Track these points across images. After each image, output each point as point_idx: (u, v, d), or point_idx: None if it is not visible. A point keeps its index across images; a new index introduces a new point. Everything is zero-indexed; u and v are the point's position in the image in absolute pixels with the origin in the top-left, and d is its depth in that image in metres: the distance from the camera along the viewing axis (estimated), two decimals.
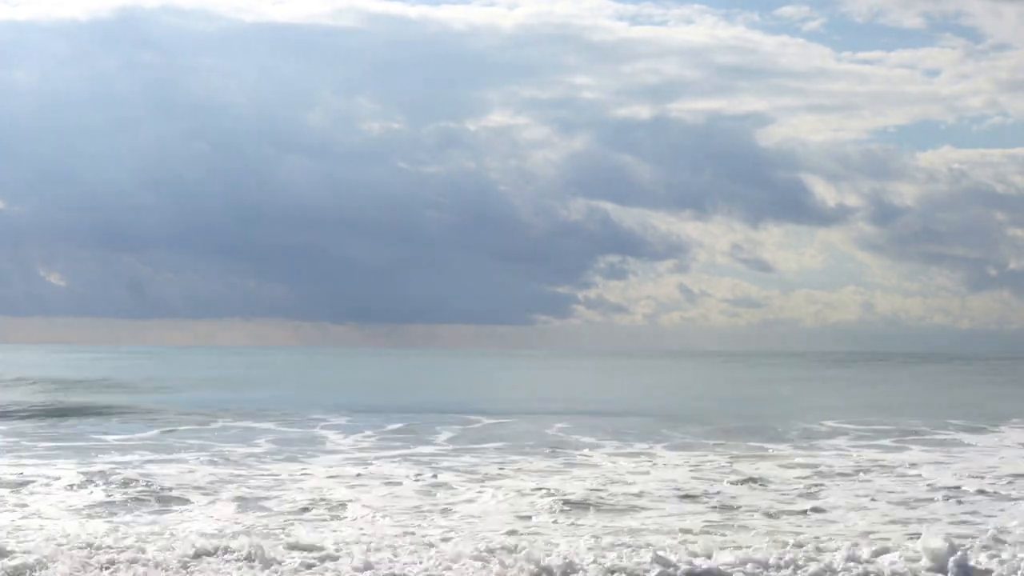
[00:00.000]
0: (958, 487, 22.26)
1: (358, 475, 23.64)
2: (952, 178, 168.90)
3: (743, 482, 22.77)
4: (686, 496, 21.04)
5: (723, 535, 16.86)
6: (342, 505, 19.64)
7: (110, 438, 32.16)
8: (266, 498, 20.39)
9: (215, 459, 26.47)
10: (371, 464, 25.79)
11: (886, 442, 31.94)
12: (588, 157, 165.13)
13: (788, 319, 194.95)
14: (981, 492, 21.62)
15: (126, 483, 21.54)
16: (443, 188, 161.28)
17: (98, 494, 20.44)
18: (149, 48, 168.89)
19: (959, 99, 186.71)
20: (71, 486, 21.30)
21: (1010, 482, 23.05)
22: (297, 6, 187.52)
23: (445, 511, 19.20)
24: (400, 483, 22.45)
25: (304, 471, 24.34)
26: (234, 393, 59.25)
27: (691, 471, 24.72)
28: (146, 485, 21.35)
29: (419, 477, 23.25)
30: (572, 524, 18.03)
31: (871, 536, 16.87)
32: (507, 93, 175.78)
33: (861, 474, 24.38)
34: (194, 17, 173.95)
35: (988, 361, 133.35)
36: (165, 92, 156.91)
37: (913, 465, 26.01)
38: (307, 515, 18.68)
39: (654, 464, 26.23)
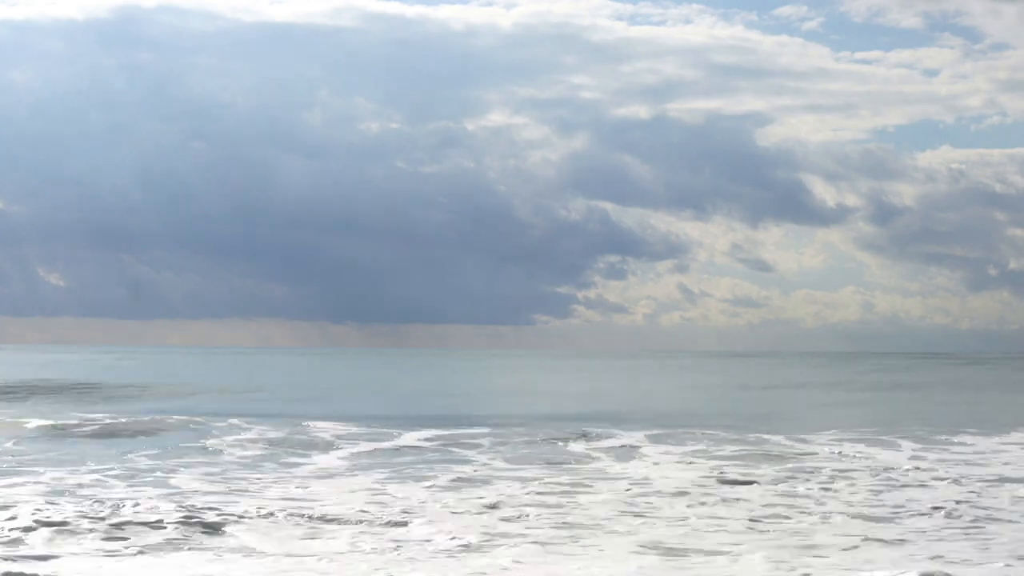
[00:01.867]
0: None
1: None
2: (951, 178, 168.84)
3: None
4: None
5: None
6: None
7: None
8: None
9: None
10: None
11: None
12: (587, 157, 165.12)
13: (788, 319, 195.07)
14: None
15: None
16: (442, 188, 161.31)
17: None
18: (147, 47, 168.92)
19: (958, 99, 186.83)
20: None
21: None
22: (295, 6, 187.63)
23: None
24: None
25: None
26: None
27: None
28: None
29: None
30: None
31: None
32: (505, 93, 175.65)
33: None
34: (192, 16, 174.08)
35: (989, 362, 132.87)
36: (163, 91, 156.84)
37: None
38: None
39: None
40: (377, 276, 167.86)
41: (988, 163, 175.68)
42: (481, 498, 20.38)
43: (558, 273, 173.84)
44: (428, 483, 22.63)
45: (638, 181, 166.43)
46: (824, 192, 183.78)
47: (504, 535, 16.65)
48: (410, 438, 32.29)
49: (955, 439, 32.60)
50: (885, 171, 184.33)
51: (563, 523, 17.77)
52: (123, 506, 18.72)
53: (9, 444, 30.04)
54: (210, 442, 30.76)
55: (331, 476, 23.91)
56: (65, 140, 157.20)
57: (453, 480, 23.09)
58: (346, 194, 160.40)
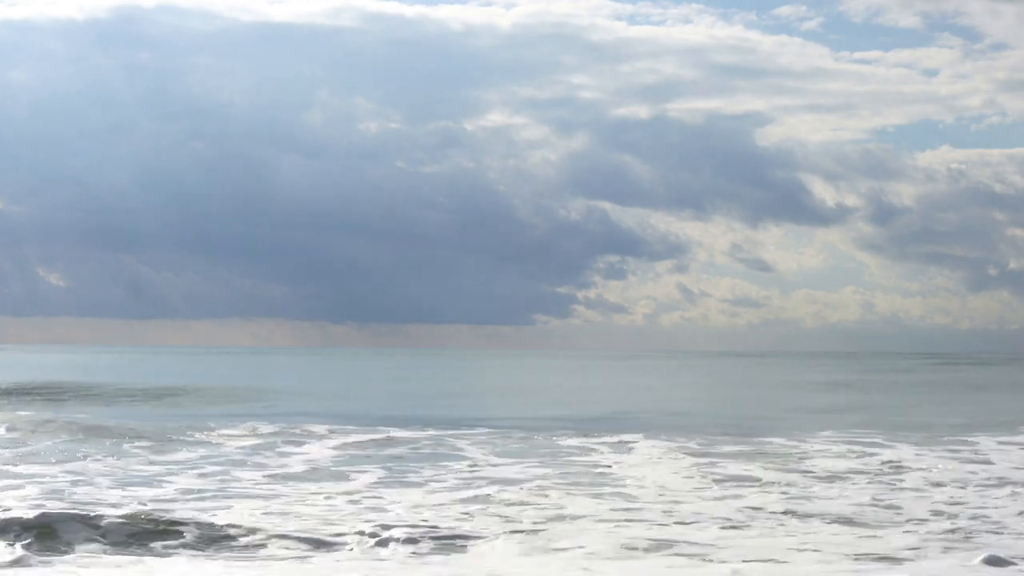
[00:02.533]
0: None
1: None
2: (951, 178, 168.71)
3: None
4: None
5: None
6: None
7: None
8: None
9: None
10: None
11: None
12: (587, 157, 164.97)
13: (788, 319, 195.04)
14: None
15: None
16: (442, 188, 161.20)
17: None
18: (146, 47, 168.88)
19: (957, 99, 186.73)
20: None
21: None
22: (294, 5, 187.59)
23: None
24: None
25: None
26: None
27: None
28: None
29: None
30: None
31: None
32: (505, 93, 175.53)
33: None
34: (191, 16, 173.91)
35: (989, 362, 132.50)
36: (162, 91, 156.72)
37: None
38: None
39: None
40: (377, 276, 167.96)
41: (988, 163, 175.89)
42: (473, 496, 20.18)
43: (558, 273, 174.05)
44: (422, 481, 22.44)
45: (638, 181, 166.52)
46: (824, 192, 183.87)
47: (493, 532, 16.44)
48: (411, 436, 32.07)
49: (956, 440, 32.31)
50: (885, 171, 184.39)
51: (556, 519, 17.56)
52: (109, 509, 18.50)
53: (6, 444, 29.84)
54: (214, 442, 30.58)
55: (325, 476, 23.68)
56: (65, 140, 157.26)
57: (446, 477, 22.88)
58: (346, 194, 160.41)
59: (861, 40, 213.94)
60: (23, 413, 38.40)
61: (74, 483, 21.45)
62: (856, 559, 14.82)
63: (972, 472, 24.35)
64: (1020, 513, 18.69)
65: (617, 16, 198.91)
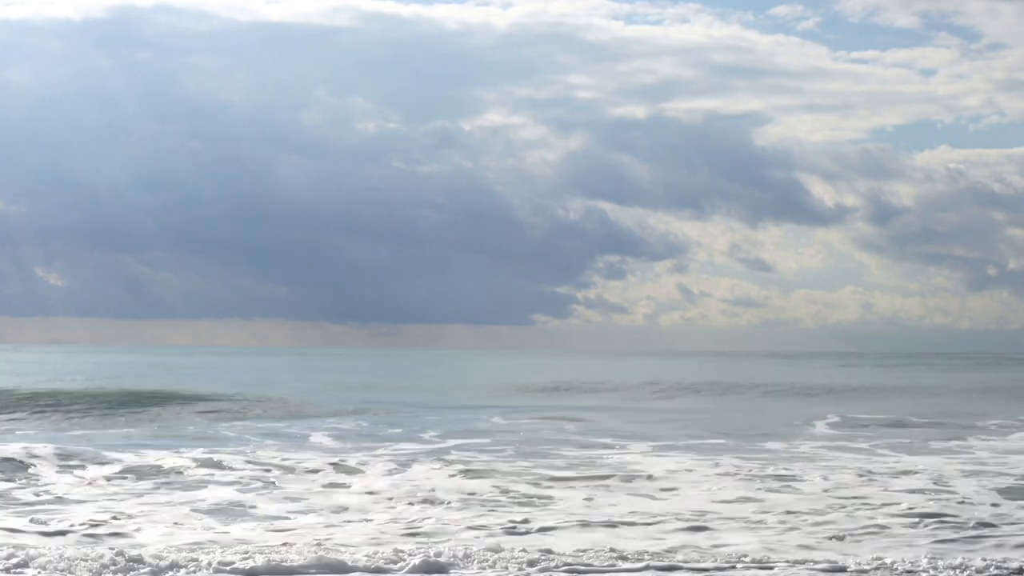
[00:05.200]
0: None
1: None
2: (950, 178, 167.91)
3: None
4: None
5: None
6: None
7: None
8: None
9: None
10: None
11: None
12: (585, 157, 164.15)
13: (788, 319, 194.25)
14: None
15: None
16: (440, 188, 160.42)
17: None
18: (143, 47, 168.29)
19: (956, 99, 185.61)
20: None
21: None
22: (291, 5, 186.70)
23: None
24: None
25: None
26: None
27: None
28: None
29: None
30: None
31: None
32: (502, 92, 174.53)
33: None
34: (188, 16, 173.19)
35: (989, 362, 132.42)
36: (160, 91, 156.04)
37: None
38: None
39: None
40: (377, 276, 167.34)
41: (986, 163, 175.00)
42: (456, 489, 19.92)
43: (557, 273, 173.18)
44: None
45: (636, 181, 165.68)
46: (823, 192, 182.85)
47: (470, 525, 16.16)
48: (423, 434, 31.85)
49: (956, 442, 32.03)
50: (883, 171, 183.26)
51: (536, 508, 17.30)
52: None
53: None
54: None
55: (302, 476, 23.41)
56: (61, 140, 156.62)
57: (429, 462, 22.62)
58: (344, 194, 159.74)
59: (858, 40, 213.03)
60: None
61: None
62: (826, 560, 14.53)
63: (972, 471, 24.03)
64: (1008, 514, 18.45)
65: (614, 16, 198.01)
